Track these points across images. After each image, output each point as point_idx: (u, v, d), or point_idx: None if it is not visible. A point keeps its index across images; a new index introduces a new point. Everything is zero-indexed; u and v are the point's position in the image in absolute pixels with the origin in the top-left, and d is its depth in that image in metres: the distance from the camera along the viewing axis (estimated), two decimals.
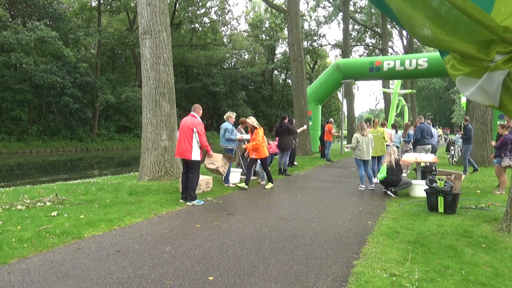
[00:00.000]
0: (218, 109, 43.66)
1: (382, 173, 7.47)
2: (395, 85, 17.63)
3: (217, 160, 7.42)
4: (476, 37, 1.81)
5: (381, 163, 9.61)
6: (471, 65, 1.91)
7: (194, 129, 6.39)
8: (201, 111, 6.77)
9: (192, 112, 6.66)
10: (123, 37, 32.78)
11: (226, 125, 8.44)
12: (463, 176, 7.06)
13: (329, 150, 15.42)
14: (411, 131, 13.20)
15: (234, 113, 8.89)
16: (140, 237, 4.40)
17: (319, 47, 43.62)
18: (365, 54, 42.49)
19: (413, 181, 7.55)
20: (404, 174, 12.09)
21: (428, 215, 5.74)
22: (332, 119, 17.03)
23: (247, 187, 8.03)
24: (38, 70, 25.01)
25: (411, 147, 12.22)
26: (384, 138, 9.20)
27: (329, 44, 43.91)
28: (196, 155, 6.40)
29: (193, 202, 6.39)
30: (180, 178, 6.93)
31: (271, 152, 10.05)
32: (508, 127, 7.95)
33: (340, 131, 20.85)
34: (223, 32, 46.28)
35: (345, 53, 27.93)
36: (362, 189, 8.42)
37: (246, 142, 8.85)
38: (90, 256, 3.72)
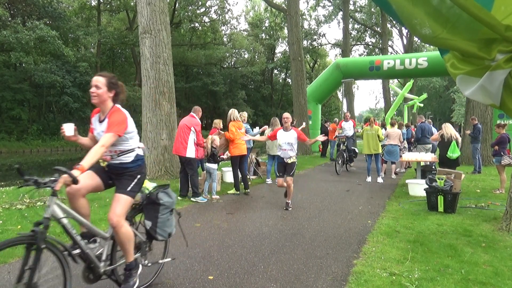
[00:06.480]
0: (218, 108, 43.60)
1: (456, 152, 7.05)
2: (406, 86, 17.64)
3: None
4: (477, 35, 1.80)
5: (379, 161, 9.55)
6: (471, 64, 1.89)
7: (192, 129, 6.49)
8: (200, 113, 6.87)
9: (192, 113, 6.77)
10: (123, 36, 32.72)
11: (246, 125, 8.47)
12: (463, 176, 7.05)
13: (334, 150, 15.70)
14: (404, 129, 13.20)
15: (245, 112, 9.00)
16: None
17: (319, 46, 43.58)
18: (365, 53, 42.42)
19: (413, 180, 7.55)
20: (402, 170, 12.10)
21: (428, 214, 5.74)
22: (336, 119, 17.05)
23: (238, 192, 7.44)
24: (38, 70, 24.94)
25: (406, 146, 12.26)
26: (378, 136, 9.18)
27: (329, 43, 43.79)
28: (190, 153, 6.47)
29: (196, 198, 6.46)
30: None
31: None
32: (504, 126, 7.98)
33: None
34: (223, 31, 46.24)
35: (345, 52, 27.88)
36: (269, 182, 8.89)
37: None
38: None
